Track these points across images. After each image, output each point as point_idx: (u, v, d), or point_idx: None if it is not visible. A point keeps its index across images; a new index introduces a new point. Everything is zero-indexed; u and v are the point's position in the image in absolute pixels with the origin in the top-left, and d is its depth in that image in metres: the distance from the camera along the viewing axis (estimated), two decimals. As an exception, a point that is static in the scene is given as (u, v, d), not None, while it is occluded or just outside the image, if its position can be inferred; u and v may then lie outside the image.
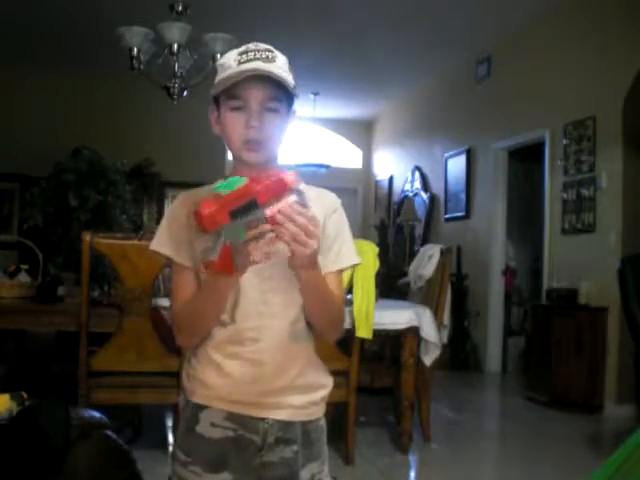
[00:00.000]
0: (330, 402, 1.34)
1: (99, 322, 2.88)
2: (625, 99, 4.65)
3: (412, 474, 3.46)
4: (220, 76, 1.22)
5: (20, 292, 3.37)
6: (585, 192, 4.98)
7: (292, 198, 1.03)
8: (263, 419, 1.24)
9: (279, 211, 1.02)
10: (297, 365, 1.26)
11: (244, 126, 1.20)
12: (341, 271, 1.30)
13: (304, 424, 1.28)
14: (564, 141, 5.24)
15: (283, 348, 1.24)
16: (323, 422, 1.33)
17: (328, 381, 1.33)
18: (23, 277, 3.49)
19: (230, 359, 1.23)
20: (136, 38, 3.94)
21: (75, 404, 2.65)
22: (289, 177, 1.03)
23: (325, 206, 1.30)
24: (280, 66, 1.21)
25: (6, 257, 5.74)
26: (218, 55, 3.80)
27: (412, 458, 3.51)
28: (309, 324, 1.28)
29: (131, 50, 3.97)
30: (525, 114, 5.84)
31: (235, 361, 1.23)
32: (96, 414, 1.83)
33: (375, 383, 3.55)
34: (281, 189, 1.02)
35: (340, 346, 3.05)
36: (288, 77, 1.21)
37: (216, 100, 1.25)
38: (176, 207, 1.28)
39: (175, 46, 3.95)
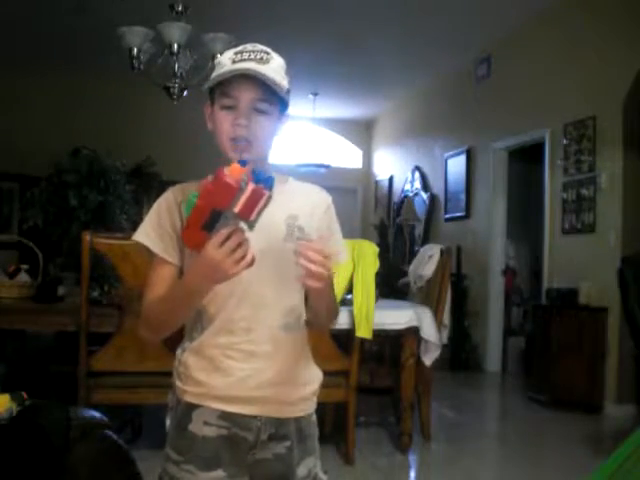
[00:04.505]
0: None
1: (99, 322, 2.87)
2: (625, 99, 4.65)
3: (412, 474, 3.46)
4: (214, 73, 1.24)
5: (20, 292, 3.36)
6: (585, 192, 4.98)
7: (250, 187, 1.05)
8: (256, 417, 1.24)
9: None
10: (289, 357, 1.27)
11: (231, 123, 1.22)
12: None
13: (297, 420, 1.29)
14: (564, 141, 5.24)
15: (275, 339, 1.25)
16: (315, 417, 1.34)
17: (318, 374, 1.34)
18: (23, 277, 3.48)
19: (223, 351, 1.23)
20: (136, 38, 3.94)
21: (75, 404, 2.65)
22: (223, 172, 1.05)
23: (315, 204, 1.31)
24: (274, 68, 1.21)
25: (6, 257, 5.73)
26: (218, 55, 3.80)
27: (412, 458, 3.51)
28: (302, 316, 1.30)
29: (131, 50, 3.97)
30: (525, 114, 5.84)
31: (228, 353, 1.23)
32: (96, 414, 1.83)
33: (375, 383, 3.55)
34: (229, 190, 1.04)
35: (340, 346, 3.05)
36: (282, 80, 1.22)
37: (212, 98, 1.26)
38: (166, 198, 1.28)
39: (175, 46, 3.95)
